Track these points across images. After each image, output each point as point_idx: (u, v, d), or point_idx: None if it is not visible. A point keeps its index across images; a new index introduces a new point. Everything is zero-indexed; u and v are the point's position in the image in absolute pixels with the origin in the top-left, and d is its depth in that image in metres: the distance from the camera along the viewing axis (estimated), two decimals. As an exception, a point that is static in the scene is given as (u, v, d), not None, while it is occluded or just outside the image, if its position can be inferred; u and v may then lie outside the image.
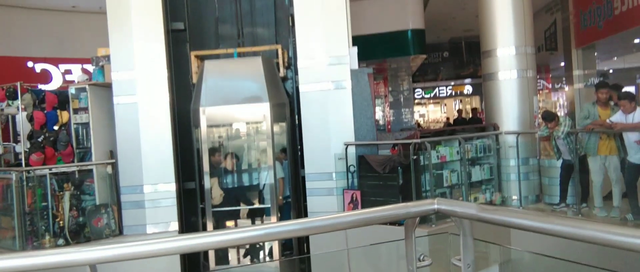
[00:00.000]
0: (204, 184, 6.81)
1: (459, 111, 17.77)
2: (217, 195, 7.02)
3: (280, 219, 6.87)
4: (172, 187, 7.16)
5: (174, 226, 7.20)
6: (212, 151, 7.03)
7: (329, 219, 1.98)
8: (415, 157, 6.76)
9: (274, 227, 2.03)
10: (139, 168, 7.06)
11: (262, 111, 6.74)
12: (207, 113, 6.66)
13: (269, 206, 6.85)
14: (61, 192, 6.62)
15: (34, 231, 6.36)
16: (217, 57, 7.48)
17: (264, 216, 7.12)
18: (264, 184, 7.15)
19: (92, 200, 6.94)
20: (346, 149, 7.26)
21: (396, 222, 5.16)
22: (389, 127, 13.96)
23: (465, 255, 1.96)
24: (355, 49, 7.55)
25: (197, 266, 7.34)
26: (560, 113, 15.23)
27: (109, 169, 7.14)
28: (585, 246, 1.74)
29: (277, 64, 7.46)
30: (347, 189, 7.28)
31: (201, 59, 7.36)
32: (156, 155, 7.12)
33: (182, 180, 7.52)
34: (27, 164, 6.61)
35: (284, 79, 7.66)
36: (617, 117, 6.42)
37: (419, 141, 6.93)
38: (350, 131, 7.38)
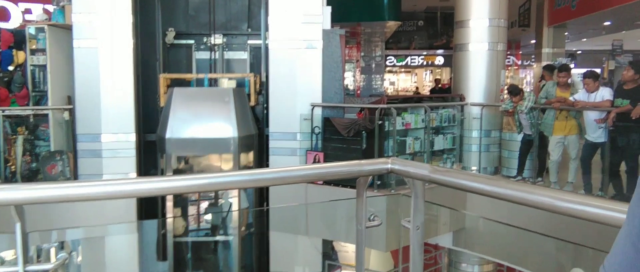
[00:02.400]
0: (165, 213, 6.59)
1: (437, 80, 17.81)
2: (179, 225, 6.84)
3: (243, 250, 6.80)
4: (131, 137, 6.99)
5: (132, 176, 7.06)
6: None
7: (282, 172, 1.92)
8: (380, 122, 6.75)
9: (225, 177, 1.96)
10: (97, 116, 6.84)
11: (229, 144, 6.44)
12: (173, 142, 6.36)
13: (232, 237, 6.70)
14: (14, 136, 6.38)
15: (-17, 173, 6.14)
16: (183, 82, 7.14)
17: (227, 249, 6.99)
18: (227, 213, 6.98)
19: (46, 146, 6.72)
20: (312, 110, 7.19)
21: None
22: (359, 92, 13.91)
23: (415, 217, 1.94)
24: (329, 8, 7.40)
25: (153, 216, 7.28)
26: (527, 89, 15.49)
27: (66, 115, 6.90)
28: (536, 214, 1.74)
29: (249, 95, 7.19)
30: (310, 150, 7.25)
31: (169, 84, 7.02)
32: (116, 103, 6.90)
33: (142, 131, 7.34)
34: (-22, 104, 6.33)
35: (255, 106, 7.42)
36: (580, 96, 6.53)
37: (385, 106, 6.91)
38: (317, 92, 7.29)
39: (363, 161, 1.82)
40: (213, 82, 7.42)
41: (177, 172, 6.51)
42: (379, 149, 6.78)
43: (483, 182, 1.62)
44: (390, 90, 20.86)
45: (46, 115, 6.78)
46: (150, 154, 7.39)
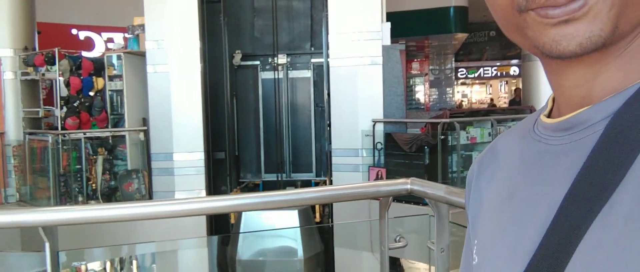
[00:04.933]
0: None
1: (517, 90, 16.87)
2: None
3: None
4: (200, 156, 7.32)
5: (202, 193, 7.38)
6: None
7: (302, 193, 1.97)
8: (442, 137, 6.63)
9: (248, 199, 2.04)
10: (169, 136, 7.24)
11: (295, 266, 6.74)
12: (243, 264, 6.74)
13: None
14: (95, 156, 6.88)
15: (67, 192, 6.66)
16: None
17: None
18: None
19: (124, 165, 7.18)
20: (374, 126, 7.19)
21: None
22: (428, 106, 13.70)
23: (439, 239, 1.91)
24: (388, 24, 7.40)
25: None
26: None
27: (141, 135, 7.35)
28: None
29: (313, 209, 7.33)
30: (373, 166, 7.24)
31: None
32: (186, 124, 7.27)
33: (211, 150, 7.67)
34: (63, 128, 6.89)
35: (321, 221, 7.57)
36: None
37: (447, 120, 6.78)
38: (379, 108, 7.29)
39: (381, 182, 1.84)
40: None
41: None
42: (443, 164, 6.65)
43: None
44: (464, 103, 20.31)
45: (123, 136, 7.26)
46: (220, 171, 7.71)
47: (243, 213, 6.86)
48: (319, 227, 7.38)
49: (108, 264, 6.91)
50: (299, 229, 6.72)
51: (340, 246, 7.38)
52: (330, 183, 7.54)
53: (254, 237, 6.84)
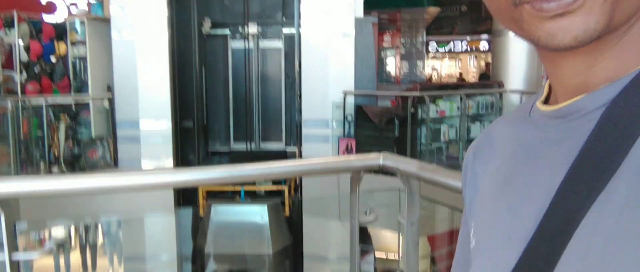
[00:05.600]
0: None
1: (488, 64, 17.01)
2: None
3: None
4: (167, 124, 7.19)
5: (169, 162, 7.28)
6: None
7: (274, 167, 1.93)
8: (412, 110, 6.66)
9: (220, 171, 2.00)
10: (135, 103, 7.06)
11: (263, 259, 6.94)
12: (213, 256, 6.90)
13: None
14: (57, 123, 6.67)
15: (29, 158, 6.47)
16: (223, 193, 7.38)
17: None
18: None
19: (88, 132, 7.00)
20: (345, 97, 7.16)
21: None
22: (399, 79, 13.74)
23: (409, 213, 1.92)
24: (362, -5, 7.32)
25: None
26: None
27: (106, 103, 7.15)
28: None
29: (283, 203, 7.34)
30: (342, 137, 7.25)
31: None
32: (153, 92, 7.10)
33: (179, 118, 7.54)
34: (23, 94, 6.65)
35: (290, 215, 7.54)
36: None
37: (417, 93, 6.81)
38: (350, 80, 7.26)
39: (352, 156, 1.82)
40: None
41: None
42: (412, 137, 6.71)
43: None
44: (434, 77, 20.44)
45: (87, 104, 7.05)
46: (188, 140, 7.61)
47: (212, 207, 6.94)
48: (288, 220, 7.47)
49: (72, 231, 6.80)
50: (267, 223, 6.79)
51: (308, 214, 7.43)
52: (300, 153, 7.53)
53: (224, 230, 6.89)
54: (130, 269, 7.05)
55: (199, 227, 7.30)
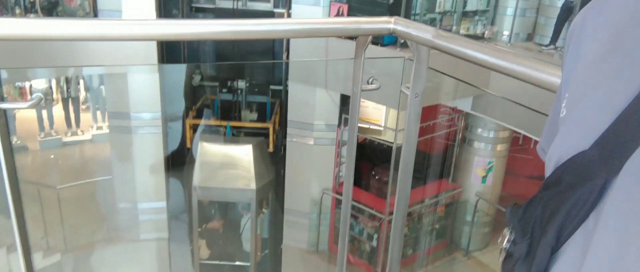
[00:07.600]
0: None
1: None
2: (204, 250, 7.41)
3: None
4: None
5: (152, 14, 6.94)
6: (205, 219, 7.37)
7: (277, 24, 1.78)
8: (409, -24, 6.32)
9: (221, 26, 1.84)
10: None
11: (248, 195, 6.96)
12: (199, 191, 6.90)
13: (249, 263, 7.33)
14: (31, -35, 6.20)
15: (2, 4, 6.08)
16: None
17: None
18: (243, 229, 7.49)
19: (65, -23, 6.54)
20: (339, -42, 6.72)
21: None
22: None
23: (415, 83, 1.82)
24: None
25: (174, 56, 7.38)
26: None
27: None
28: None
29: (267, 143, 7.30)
30: (334, 1, 6.93)
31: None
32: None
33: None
34: None
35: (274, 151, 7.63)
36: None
37: (417, -42, 6.41)
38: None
39: (362, 19, 1.67)
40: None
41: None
42: (407, 5, 6.44)
43: (489, 53, 1.47)
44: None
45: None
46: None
47: (199, 143, 7.04)
48: (271, 156, 7.69)
49: (54, 83, 6.67)
50: (252, 160, 6.99)
51: (294, 81, 7.37)
52: (289, 16, 7.25)
53: (210, 165, 7.03)
54: (114, 126, 7.07)
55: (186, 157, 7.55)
